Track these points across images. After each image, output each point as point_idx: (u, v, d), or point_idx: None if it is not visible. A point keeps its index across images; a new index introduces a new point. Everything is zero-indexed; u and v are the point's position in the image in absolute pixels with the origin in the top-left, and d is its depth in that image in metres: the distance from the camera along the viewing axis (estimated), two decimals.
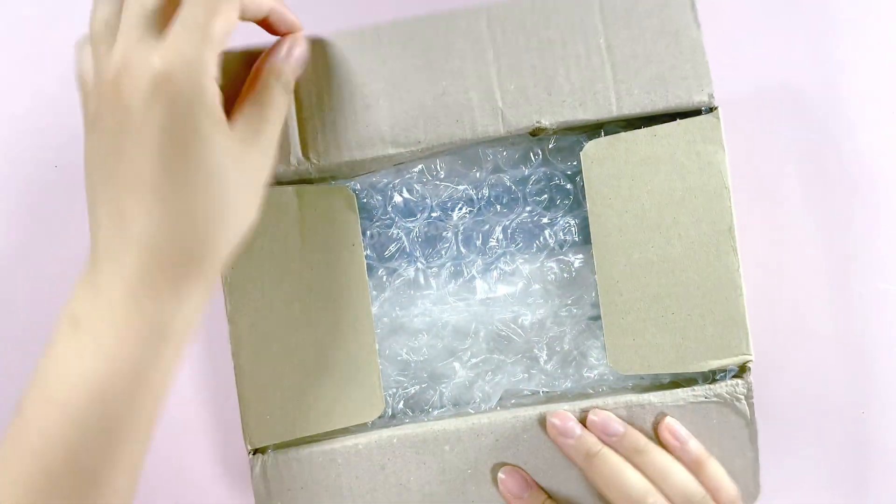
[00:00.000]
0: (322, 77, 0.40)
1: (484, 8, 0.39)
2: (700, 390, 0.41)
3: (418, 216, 0.45)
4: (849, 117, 0.50)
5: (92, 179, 0.33)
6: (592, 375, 0.45)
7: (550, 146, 0.45)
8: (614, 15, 0.40)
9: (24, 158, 0.50)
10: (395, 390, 0.46)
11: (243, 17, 0.34)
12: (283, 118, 0.36)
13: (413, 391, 0.46)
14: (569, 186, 0.45)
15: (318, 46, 0.40)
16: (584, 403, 0.42)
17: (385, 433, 0.42)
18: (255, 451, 0.41)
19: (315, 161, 0.41)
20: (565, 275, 0.45)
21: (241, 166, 0.33)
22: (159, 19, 0.32)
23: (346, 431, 0.43)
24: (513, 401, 0.46)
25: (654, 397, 0.41)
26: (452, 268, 0.46)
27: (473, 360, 0.46)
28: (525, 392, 0.45)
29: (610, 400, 0.41)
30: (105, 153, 0.31)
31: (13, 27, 0.53)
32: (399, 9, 0.42)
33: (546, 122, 0.41)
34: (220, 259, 0.33)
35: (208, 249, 0.32)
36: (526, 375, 0.45)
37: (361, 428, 0.44)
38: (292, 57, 0.37)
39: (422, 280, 0.46)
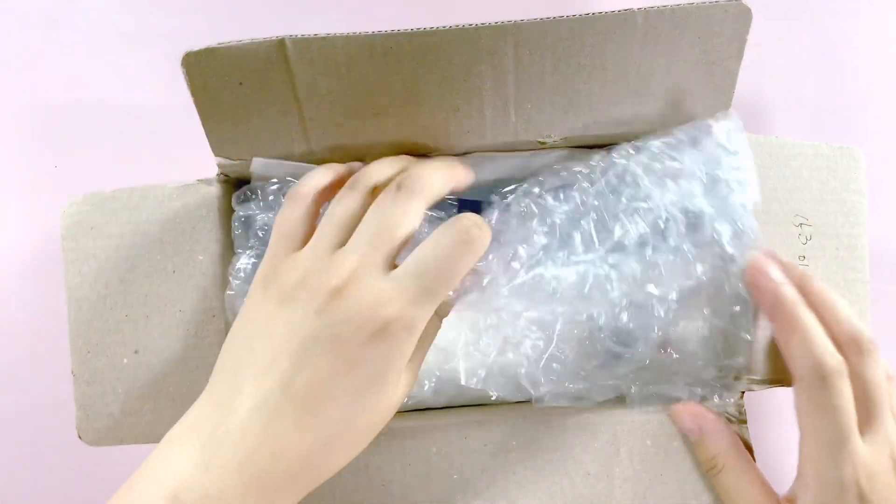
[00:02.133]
0: (330, 77, 0.38)
1: (511, 26, 0.36)
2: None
3: None
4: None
5: (251, 342, 0.34)
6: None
7: None
8: (657, 39, 0.37)
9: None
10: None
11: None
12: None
13: None
14: None
15: (327, 44, 0.37)
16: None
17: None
18: None
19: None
20: None
21: (393, 404, 0.35)
22: (392, 249, 0.34)
23: None
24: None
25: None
26: None
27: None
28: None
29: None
30: (282, 337, 0.33)
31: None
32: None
33: (556, 136, 0.41)
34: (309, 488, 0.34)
35: (313, 482, 0.34)
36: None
37: None
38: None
39: None
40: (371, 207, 0.35)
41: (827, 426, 0.36)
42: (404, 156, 0.41)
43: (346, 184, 0.38)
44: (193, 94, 0.38)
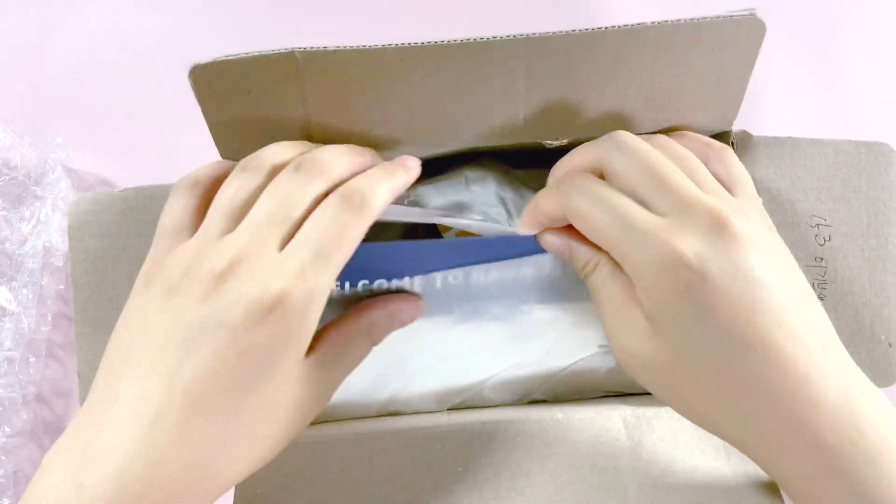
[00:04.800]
0: (339, 87, 0.39)
1: (524, 40, 0.37)
2: None
3: None
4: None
5: (130, 343, 0.31)
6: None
7: None
8: (669, 52, 0.38)
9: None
10: None
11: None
12: (355, 368, 0.37)
13: None
14: None
15: (337, 57, 0.37)
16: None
17: (377, 425, 0.44)
18: None
19: None
20: None
21: (294, 403, 0.33)
22: (288, 229, 0.32)
23: (338, 420, 0.46)
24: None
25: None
26: None
27: None
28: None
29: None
30: (164, 332, 0.30)
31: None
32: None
33: (564, 139, 0.43)
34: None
35: (208, 496, 0.31)
36: None
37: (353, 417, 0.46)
38: (395, 321, 0.38)
39: None
40: (266, 189, 0.34)
41: (604, 222, 0.33)
42: (306, 141, 0.39)
43: (238, 165, 0.36)
44: (201, 103, 0.39)
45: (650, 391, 0.34)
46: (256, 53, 0.37)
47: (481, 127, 0.41)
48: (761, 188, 0.44)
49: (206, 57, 0.37)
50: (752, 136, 0.43)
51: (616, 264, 0.34)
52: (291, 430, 0.33)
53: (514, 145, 0.43)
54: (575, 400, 0.47)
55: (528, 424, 0.43)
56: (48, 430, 0.57)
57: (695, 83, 0.40)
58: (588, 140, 0.43)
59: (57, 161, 0.57)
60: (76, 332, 0.43)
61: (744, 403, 0.30)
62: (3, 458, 0.54)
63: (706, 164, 0.36)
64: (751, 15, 0.37)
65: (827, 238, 0.44)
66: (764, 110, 0.61)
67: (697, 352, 0.30)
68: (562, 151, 0.44)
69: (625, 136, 0.36)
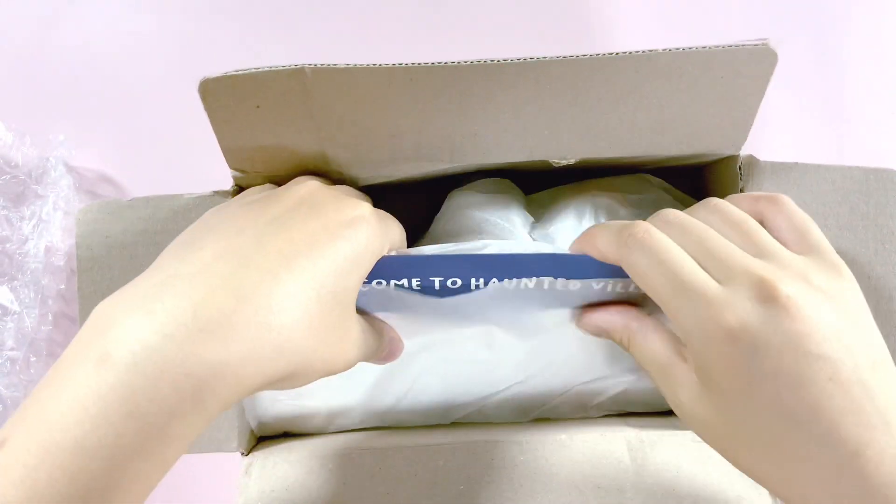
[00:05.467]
0: (348, 103, 0.39)
1: (534, 63, 0.37)
2: None
3: None
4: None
5: (205, 229, 0.34)
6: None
7: None
8: (679, 79, 0.38)
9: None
10: None
11: None
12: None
13: None
14: None
15: (347, 75, 0.37)
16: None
17: (380, 440, 0.44)
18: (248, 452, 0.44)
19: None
20: None
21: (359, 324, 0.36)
22: None
23: (340, 431, 0.46)
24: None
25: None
26: None
27: None
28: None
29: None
30: (255, 217, 0.33)
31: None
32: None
33: (571, 159, 0.43)
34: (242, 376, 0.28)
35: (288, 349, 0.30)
36: None
37: (355, 429, 0.47)
38: (385, 352, 0.40)
39: None
40: None
41: (662, 284, 0.33)
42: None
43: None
44: (210, 116, 0.39)
45: (711, 447, 0.34)
46: (266, 69, 0.37)
47: (489, 146, 0.41)
48: None
49: (215, 71, 0.37)
50: (758, 160, 0.44)
51: (649, 328, 0.36)
52: (355, 351, 0.35)
53: (521, 164, 0.43)
54: (578, 419, 0.47)
55: (532, 444, 0.44)
56: None
57: (704, 110, 0.40)
58: (595, 161, 0.43)
59: (58, 159, 0.57)
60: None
61: (791, 471, 0.30)
62: None
63: (766, 220, 0.35)
64: (763, 45, 0.37)
65: None
66: (765, 134, 0.61)
67: (747, 420, 0.30)
68: (568, 170, 0.45)
69: (670, 213, 0.35)
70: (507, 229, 0.45)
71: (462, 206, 0.47)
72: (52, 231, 0.56)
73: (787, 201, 0.35)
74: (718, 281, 0.31)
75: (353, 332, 0.34)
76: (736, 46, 0.37)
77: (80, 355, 0.26)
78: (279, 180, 0.44)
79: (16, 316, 0.54)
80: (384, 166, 0.43)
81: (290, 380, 0.31)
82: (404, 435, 0.45)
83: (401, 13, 0.62)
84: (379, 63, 0.37)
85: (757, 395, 0.29)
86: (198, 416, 0.27)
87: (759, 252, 0.32)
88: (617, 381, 0.46)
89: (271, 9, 0.61)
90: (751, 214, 0.35)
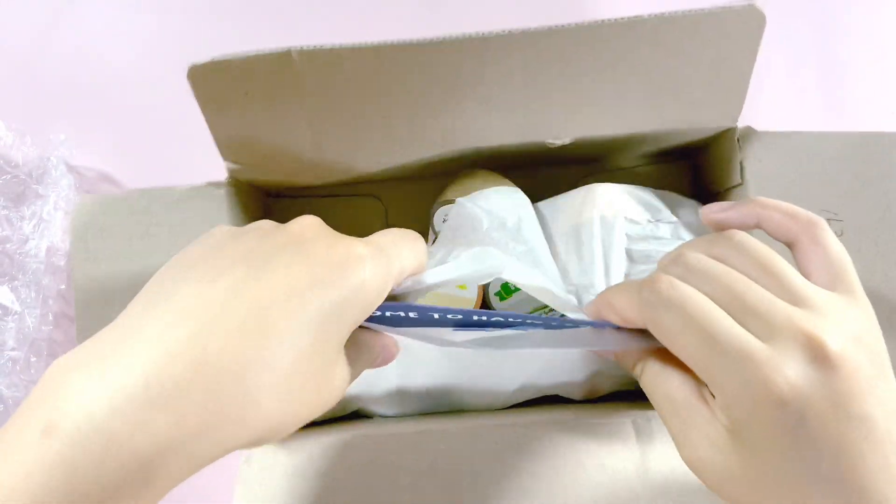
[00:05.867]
0: (337, 86, 0.39)
1: (520, 35, 0.37)
2: None
3: None
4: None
5: (186, 265, 0.30)
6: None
7: None
8: (666, 44, 0.38)
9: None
10: None
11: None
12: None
13: None
14: None
15: (334, 56, 0.38)
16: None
17: (380, 429, 0.43)
18: None
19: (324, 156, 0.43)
20: None
21: (339, 367, 0.31)
22: None
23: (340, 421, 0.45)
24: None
25: None
26: None
27: None
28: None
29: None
30: (236, 256, 0.29)
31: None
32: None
33: (566, 138, 0.42)
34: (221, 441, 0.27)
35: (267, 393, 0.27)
36: None
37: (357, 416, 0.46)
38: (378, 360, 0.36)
39: None
40: None
41: (696, 345, 0.30)
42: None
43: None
44: (201, 104, 0.39)
45: (716, 493, 0.32)
46: (252, 53, 0.37)
47: (481, 126, 0.41)
48: (767, 184, 0.43)
49: (202, 58, 0.38)
50: (756, 131, 0.43)
51: (666, 359, 0.33)
52: (339, 392, 0.31)
53: (517, 147, 0.43)
54: (584, 402, 0.46)
55: (536, 425, 0.43)
56: None
57: (695, 76, 0.40)
58: (591, 140, 0.43)
59: (59, 159, 0.57)
60: (77, 334, 0.43)
61: None
62: None
63: (795, 247, 0.33)
64: (750, 6, 0.37)
65: (839, 233, 0.43)
66: (761, 107, 0.61)
67: (778, 478, 0.29)
68: (565, 152, 0.44)
69: (689, 256, 0.32)
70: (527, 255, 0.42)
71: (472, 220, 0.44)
72: (52, 231, 0.56)
73: (825, 231, 0.32)
74: (759, 337, 0.29)
75: (338, 376, 0.31)
76: (722, 8, 0.37)
77: (29, 420, 0.24)
78: (273, 173, 0.45)
79: (16, 316, 0.54)
80: (379, 153, 0.43)
81: (257, 444, 0.28)
82: (403, 422, 0.45)
83: (400, 13, 0.62)
84: (366, 42, 0.37)
85: (796, 458, 0.28)
86: (146, 495, 0.25)
87: (795, 298, 0.30)
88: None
89: (271, 9, 0.61)
90: (784, 238, 0.33)
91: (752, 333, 0.29)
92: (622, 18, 0.37)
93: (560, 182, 0.50)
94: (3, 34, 0.60)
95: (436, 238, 0.44)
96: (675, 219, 0.44)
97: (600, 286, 0.41)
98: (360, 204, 0.52)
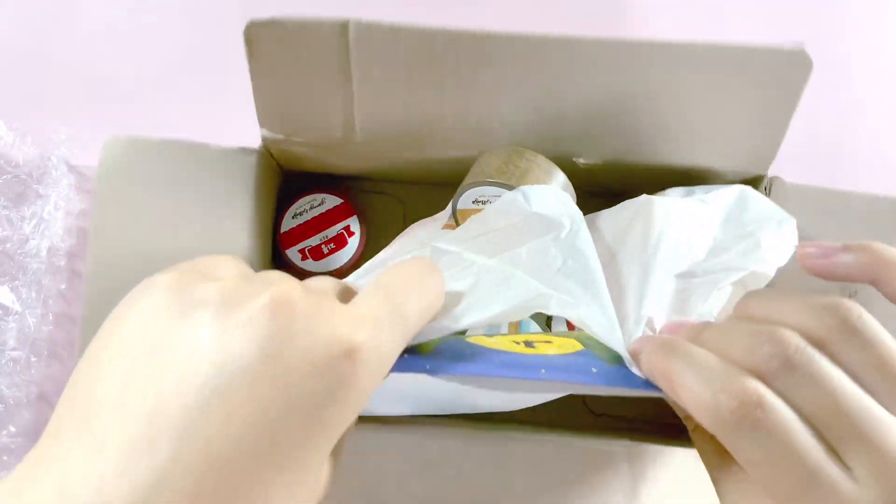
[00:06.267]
0: (386, 66, 0.39)
1: (576, 41, 0.37)
2: None
3: None
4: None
5: (119, 363, 0.23)
6: None
7: None
8: (714, 79, 0.38)
9: None
10: None
11: None
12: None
13: None
14: None
15: (390, 33, 0.38)
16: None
17: (373, 425, 0.42)
18: None
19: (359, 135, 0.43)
20: None
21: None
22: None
23: None
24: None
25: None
26: None
27: None
28: None
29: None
30: (175, 354, 0.23)
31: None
32: None
33: (591, 160, 0.43)
34: None
35: None
36: None
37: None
38: None
39: None
40: None
41: (780, 480, 0.25)
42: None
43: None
44: (251, 63, 0.39)
45: None
46: (312, 18, 0.38)
47: (517, 129, 0.42)
48: None
49: (262, 17, 0.38)
50: (784, 182, 0.43)
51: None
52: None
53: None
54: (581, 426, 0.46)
55: (530, 440, 0.42)
56: None
57: (736, 114, 0.40)
58: (617, 165, 0.43)
59: (60, 158, 0.57)
60: (85, 281, 0.42)
61: None
62: (6, 458, 0.53)
63: None
64: (800, 49, 0.38)
65: (853, 293, 0.43)
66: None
67: None
68: (591, 178, 0.45)
69: (790, 346, 0.26)
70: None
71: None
72: (53, 231, 0.55)
73: None
74: (857, 478, 0.24)
75: (320, 480, 0.26)
76: (773, 48, 0.38)
77: None
78: (301, 146, 0.44)
79: (17, 316, 0.54)
80: (407, 143, 0.43)
81: None
82: (398, 424, 0.44)
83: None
84: (424, 25, 0.38)
85: None
86: None
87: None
88: None
89: (271, 11, 0.62)
90: None
91: (856, 470, 0.24)
92: (676, 42, 0.38)
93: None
94: (4, 33, 0.61)
95: (455, 223, 0.43)
96: (752, 232, 0.38)
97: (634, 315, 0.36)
98: (379, 202, 0.52)
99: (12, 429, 0.53)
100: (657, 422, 0.46)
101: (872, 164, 0.62)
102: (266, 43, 0.39)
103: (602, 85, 0.39)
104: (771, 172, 0.44)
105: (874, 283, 0.29)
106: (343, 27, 0.38)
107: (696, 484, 0.42)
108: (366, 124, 0.42)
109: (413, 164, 0.46)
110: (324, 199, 0.49)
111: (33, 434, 0.55)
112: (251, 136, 0.44)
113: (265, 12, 0.37)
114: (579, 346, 0.33)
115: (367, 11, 0.38)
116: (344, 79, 0.40)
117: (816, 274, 0.30)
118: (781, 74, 0.39)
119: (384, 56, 0.39)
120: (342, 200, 0.49)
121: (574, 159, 0.43)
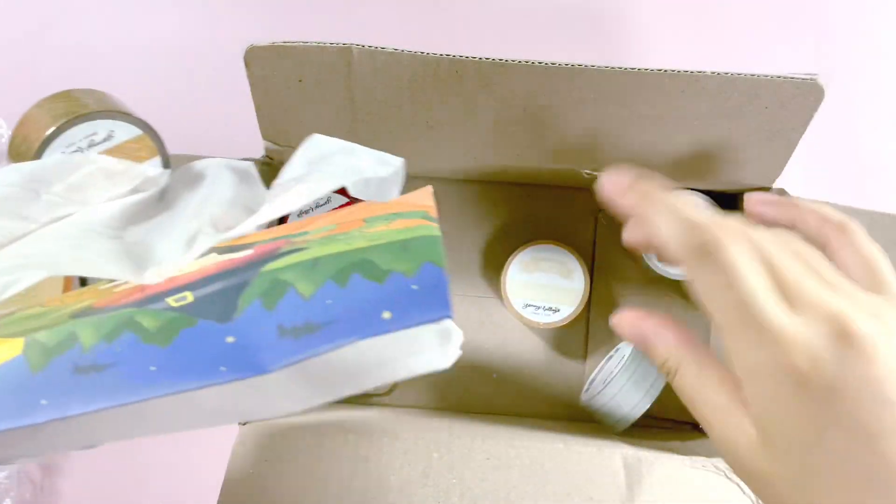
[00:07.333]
0: (389, 87, 0.39)
1: (585, 70, 0.37)
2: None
3: None
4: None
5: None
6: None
7: None
8: (724, 107, 0.38)
9: None
10: None
11: None
12: None
13: None
14: None
15: (393, 59, 0.38)
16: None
17: (379, 424, 0.44)
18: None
19: None
20: None
21: None
22: None
23: (340, 419, 0.45)
24: None
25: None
26: None
27: None
28: None
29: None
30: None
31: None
32: None
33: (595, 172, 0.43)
34: None
35: None
36: None
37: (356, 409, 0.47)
38: None
39: None
40: None
41: (723, 304, 0.28)
42: None
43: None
44: (252, 84, 0.39)
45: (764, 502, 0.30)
46: (314, 43, 0.37)
47: (521, 149, 0.42)
48: None
49: (263, 40, 0.37)
50: (789, 195, 0.43)
51: (704, 362, 0.30)
52: None
53: (549, 170, 0.43)
54: (578, 433, 0.47)
55: (528, 448, 0.44)
56: None
57: (746, 138, 0.40)
58: None
59: None
60: None
61: None
62: None
63: (828, 248, 0.31)
64: (812, 80, 0.37)
65: None
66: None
67: (813, 476, 0.27)
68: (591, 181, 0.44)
69: (738, 225, 0.30)
70: None
71: None
72: None
73: (856, 231, 0.31)
74: (787, 313, 0.27)
75: None
76: (784, 78, 0.37)
77: None
78: None
79: None
80: (416, 156, 0.43)
81: None
82: (402, 421, 0.45)
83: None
84: (426, 52, 0.37)
85: (827, 447, 0.26)
86: None
87: (831, 286, 0.28)
88: None
89: (273, 13, 0.61)
90: (815, 238, 0.32)
91: (793, 306, 0.27)
92: (687, 72, 0.37)
93: (573, 203, 0.50)
94: (3, 33, 0.59)
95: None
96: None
97: None
98: None
99: None
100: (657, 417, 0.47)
101: (879, 179, 0.61)
102: (268, 65, 0.38)
103: (613, 110, 0.39)
104: (776, 185, 0.44)
105: (793, 226, 0.33)
106: (346, 51, 0.37)
107: (694, 487, 0.43)
108: (369, 139, 0.41)
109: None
110: (330, 197, 0.49)
111: None
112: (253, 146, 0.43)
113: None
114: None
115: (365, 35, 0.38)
116: (348, 98, 0.39)
117: (754, 217, 0.34)
118: (792, 102, 0.38)
119: (387, 78, 0.38)
120: (348, 199, 0.49)
121: (582, 172, 0.43)
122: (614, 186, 0.32)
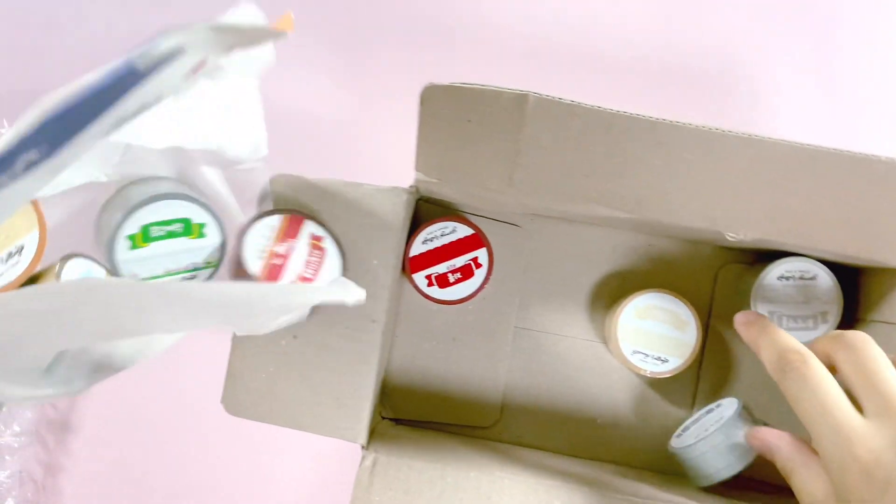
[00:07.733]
0: (557, 136, 0.40)
1: (746, 139, 0.38)
2: None
3: None
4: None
5: None
6: None
7: None
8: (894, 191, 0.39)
9: None
10: None
11: None
12: None
13: None
14: None
15: (568, 111, 0.39)
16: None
17: (496, 468, 0.44)
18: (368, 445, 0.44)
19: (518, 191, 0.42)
20: None
21: None
22: None
23: (457, 451, 0.46)
24: None
25: None
26: None
27: None
28: None
29: None
30: None
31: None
32: None
33: (746, 236, 0.42)
34: None
35: None
36: None
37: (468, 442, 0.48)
38: None
39: None
40: None
41: (809, 412, 0.36)
42: None
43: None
44: (421, 121, 0.40)
45: None
46: (492, 87, 0.38)
47: (675, 205, 0.41)
48: None
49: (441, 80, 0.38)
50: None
51: (816, 467, 0.37)
52: None
53: (697, 228, 0.43)
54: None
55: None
56: (52, 429, 0.58)
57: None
58: (767, 245, 0.44)
59: None
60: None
61: None
62: (8, 457, 0.55)
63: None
64: None
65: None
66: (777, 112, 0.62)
67: None
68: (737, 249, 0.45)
69: (855, 336, 0.38)
70: None
71: None
72: None
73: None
74: (868, 415, 0.34)
75: None
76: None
77: None
78: (453, 193, 0.45)
79: None
80: (565, 202, 0.43)
81: None
82: (516, 458, 0.46)
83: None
84: (601, 106, 0.38)
85: None
86: None
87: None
88: None
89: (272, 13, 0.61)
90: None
91: (869, 411, 0.34)
92: (858, 154, 0.38)
93: (694, 255, 0.51)
94: (4, 33, 0.60)
95: None
96: None
97: None
98: (504, 230, 0.53)
99: (17, 428, 0.56)
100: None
101: None
102: (441, 104, 0.39)
103: (774, 181, 0.40)
104: None
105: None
106: (521, 98, 0.38)
107: None
108: (524, 181, 0.42)
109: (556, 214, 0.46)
110: (455, 227, 0.50)
111: (34, 434, 0.57)
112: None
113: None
114: None
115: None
116: (512, 140, 0.40)
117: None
118: None
119: (558, 127, 0.39)
120: (473, 231, 0.49)
121: (727, 234, 0.43)
122: (744, 318, 0.44)
